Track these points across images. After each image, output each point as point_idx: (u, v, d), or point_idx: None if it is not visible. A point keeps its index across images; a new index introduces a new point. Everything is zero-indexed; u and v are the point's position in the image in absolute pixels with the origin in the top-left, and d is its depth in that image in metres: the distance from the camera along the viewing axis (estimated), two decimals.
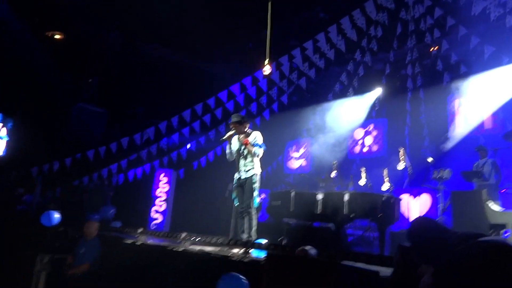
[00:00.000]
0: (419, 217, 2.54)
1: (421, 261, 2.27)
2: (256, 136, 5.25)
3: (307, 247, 3.60)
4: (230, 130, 5.29)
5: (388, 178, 7.46)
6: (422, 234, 2.24)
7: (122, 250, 5.62)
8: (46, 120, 10.48)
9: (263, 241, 4.61)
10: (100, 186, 9.97)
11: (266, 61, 6.90)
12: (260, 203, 8.49)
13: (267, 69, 7.05)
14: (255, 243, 4.51)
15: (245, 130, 5.29)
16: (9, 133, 11.01)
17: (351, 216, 6.13)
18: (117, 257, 5.62)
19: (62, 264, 5.82)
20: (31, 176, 9.27)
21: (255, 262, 3.85)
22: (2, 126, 10.95)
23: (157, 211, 11.02)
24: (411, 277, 2.54)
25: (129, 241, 5.65)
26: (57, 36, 11.26)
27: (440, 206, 6.94)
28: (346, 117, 10.23)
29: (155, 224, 10.69)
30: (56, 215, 6.23)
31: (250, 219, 5.08)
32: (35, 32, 10.59)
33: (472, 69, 8.07)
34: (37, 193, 8.25)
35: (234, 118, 5.29)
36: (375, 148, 10.27)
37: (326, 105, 10.30)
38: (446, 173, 7.06)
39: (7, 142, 10.93)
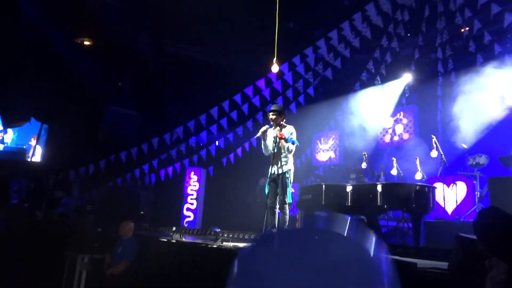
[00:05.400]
0: (489, 207, 2.38)
1: (491, 254, 2.11)
2: (292, 132, 5.13)
3: None
4: (268, 118, 5.17)
5: (420, 167, 7.26)
6: (493, 225, 2.10)
7: (158, 248, 5.75)
8: (80, 125, 10.85)
9: None
10: (133, 186, 10.24)
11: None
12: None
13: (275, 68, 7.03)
14: None
15: (282, 122, 5.17)
16: (45, 139, 11.49)
17: (384, 207, 6.02)
18: (153, 255, 5.77)
19: (101, 264, 6.04)
20: (68, 180, 9.64)
21: None
22: (39, 133, 11.43)
23: (189, 209, 11.20)
24: (473, 269, 2.41)
25: (164, 239, 5.78)
26: (86, 43, 11.62)
27: (477, 194, 6.69)
28: (375, 106, 10.00)
29: (188, 222, 10.86)
30: None
31: (284, 214, 5.03)
32: (68, 39, 10.93)
33: (507, 48, 7.72)
34: (75, 195, 8.56)
35: (274, 107, 5.18)
36: (406, 136, 9.98)
37: (353, 95, 10.10)
38: (482, 159, 6.80)
39: (44, 147, 11.41)
